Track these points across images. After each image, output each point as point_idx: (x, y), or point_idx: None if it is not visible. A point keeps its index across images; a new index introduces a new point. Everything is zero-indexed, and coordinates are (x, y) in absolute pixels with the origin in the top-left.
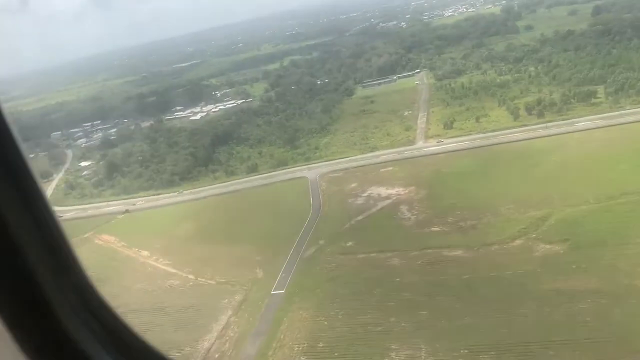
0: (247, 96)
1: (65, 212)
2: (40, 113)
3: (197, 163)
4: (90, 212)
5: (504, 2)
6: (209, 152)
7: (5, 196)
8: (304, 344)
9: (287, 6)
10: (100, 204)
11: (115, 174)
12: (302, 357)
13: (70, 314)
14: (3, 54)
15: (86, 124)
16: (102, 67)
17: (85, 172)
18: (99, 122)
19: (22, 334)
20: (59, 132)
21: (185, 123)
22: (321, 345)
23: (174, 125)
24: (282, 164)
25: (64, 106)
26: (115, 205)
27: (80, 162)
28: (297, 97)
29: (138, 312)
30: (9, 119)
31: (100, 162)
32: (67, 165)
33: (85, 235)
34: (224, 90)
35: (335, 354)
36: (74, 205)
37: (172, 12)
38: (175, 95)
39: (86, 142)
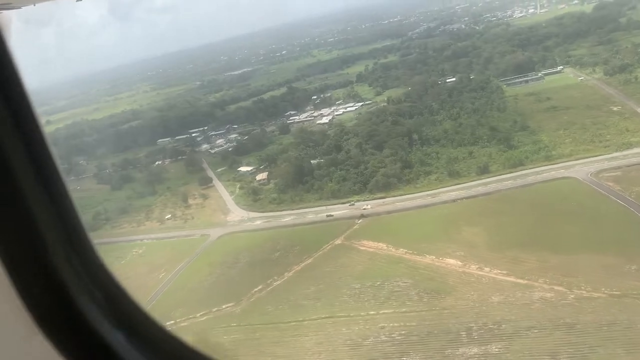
0: (360, 99)
1: (275, 218)
2: (112, 122)
3: (402, 165)
4: (310, 217)
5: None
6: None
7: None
8: None
9: (281, 20)
10: (314, 209)
11: (306, 178)
12: None
13: (73, 277)
14: (34, 65)
15: (193, 131)
16: (136, 78)
17: (260, 178)
18: (205, 128)
19: (29, 295)
20: (167, 139)
21: (317, 127)
22: None
23: (306, 127)
24: (518, 164)
25: (137, 115)
26: (337, 210)
27: (239, 167)
28: (442, 97)
29: (537, 329)
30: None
31: (263, 166)
32: (210, 171)
33: (337, 242)
34: (326, 94)
35: None
36: (280, 210)
37: (184, 26)
38: (277, 100)
39: (211, 148)
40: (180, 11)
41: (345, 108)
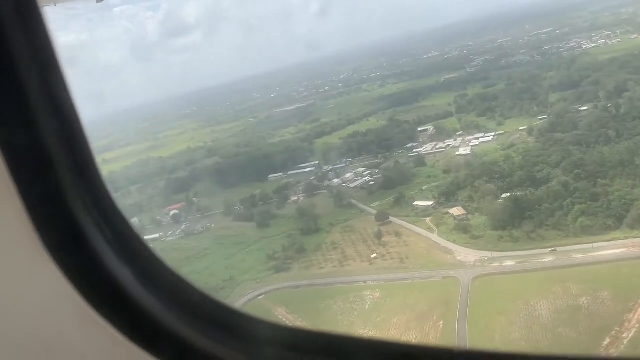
0: (486, 129)
1: (526, 257)
2: (186, 159)
3: None
4: (579, 258)
5: None
6: None
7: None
8: None
9: (297, 59)
10: (571, 247)
11: (529, 213)
12: None
13: (84, 212)
14: None
15: (304, 165)
16: (172, 116)
17: (457, 213)
18: (316, 162)
19: (42, 226)
20: (279, 174)
21: (455, 158)
22: None
23: (470, 160)
24: None
25: (212, 152)
26: (605, 249)
27: (415, 202)
28: (600, 125)
29: None
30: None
31: (442, 200)
32: (363, 206)
33: None
34: (434, 125)
35: None
36: (523, 250)
37: (203, 65)
38: (385, 133)
39: (343, 182)
40: (198, 51)
41: (477, 139)
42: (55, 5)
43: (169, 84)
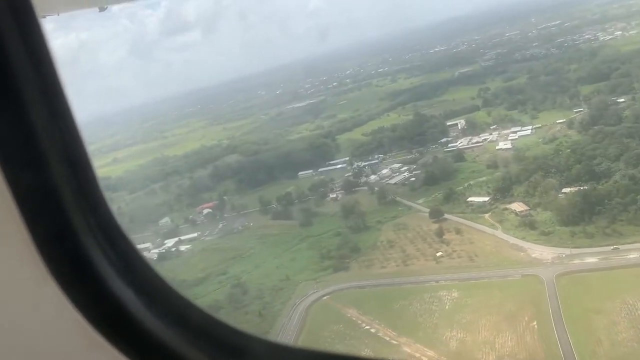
0: (520, 122)
1: (608, 254)
2: (203, 157)
3: None
4: None
5: None
6: None
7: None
8: None
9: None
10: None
11: (598, 208)
12: None
13: (87, 233)
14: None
15: (334, 162)
16: (174, 114)
17: (520, 209)
18: (347, 159)
19: (45, 248)
20: (309, 172)
21: (497, 152)
22: None
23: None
24: None
25: (228, 150)
26: None
27: (469, 198)
28: None
29: None
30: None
31: (498, 196)
32: (409, 203)
33: None
34: (457, 119)
35: None
36: (601, 246)
37: (201, 64)
38: (414, 128)
39: (381, 179)
40: (198, 49)
41: (515, 133)
42: (59, 15)
43: (170, 82)
